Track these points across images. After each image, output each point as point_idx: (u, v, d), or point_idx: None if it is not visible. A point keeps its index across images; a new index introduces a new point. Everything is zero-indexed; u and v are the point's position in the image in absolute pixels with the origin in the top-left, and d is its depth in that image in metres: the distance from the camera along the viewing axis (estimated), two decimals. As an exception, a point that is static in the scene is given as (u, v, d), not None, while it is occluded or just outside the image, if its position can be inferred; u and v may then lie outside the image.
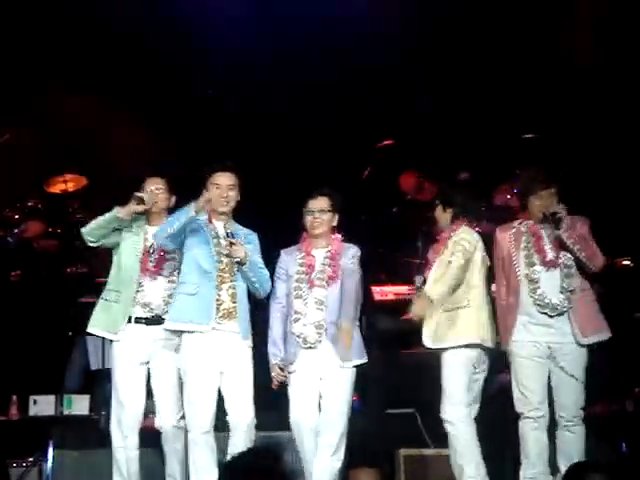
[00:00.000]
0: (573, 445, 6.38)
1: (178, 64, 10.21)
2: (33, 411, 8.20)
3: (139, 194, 6.61)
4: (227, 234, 6.41)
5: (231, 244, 6.39)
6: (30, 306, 9.45)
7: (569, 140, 9.86)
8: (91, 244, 6.67)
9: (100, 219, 6.61)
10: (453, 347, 6.41)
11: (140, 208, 6.59)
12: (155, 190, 6.65)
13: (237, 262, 6.39)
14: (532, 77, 10.02)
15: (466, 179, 9.62)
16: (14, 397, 8.32)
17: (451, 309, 6.47)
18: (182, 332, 6.37)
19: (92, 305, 8.30)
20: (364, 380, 6.69)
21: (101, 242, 6.64)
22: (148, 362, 6.58)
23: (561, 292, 6.41)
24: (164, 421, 6.52)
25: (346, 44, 9.93)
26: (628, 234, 9.59)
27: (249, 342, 6.47)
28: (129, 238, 6.66)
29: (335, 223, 6.56)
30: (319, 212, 6.48)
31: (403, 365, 8.25)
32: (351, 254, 6.52)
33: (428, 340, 6.47)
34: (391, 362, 8.04)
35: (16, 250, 9.87)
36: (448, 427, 6.36)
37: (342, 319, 6.33)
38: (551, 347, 6.37)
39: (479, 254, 6.56)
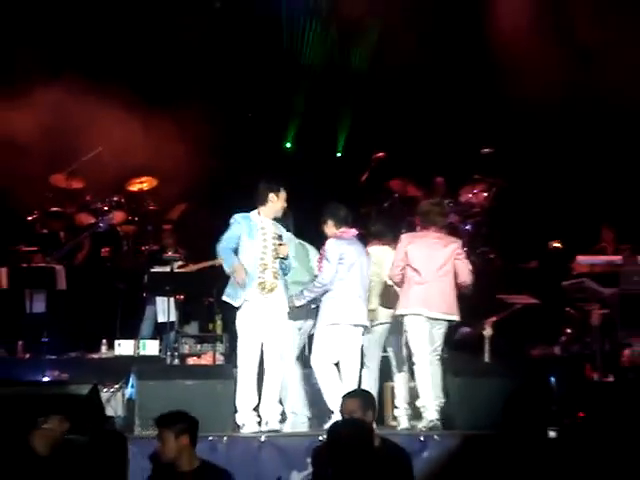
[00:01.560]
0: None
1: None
2: (118, 351, 9.26)
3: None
4: (278, 236, 7.34)
5: (280, 245, 7.34)
6: (115, 274, 10.53)
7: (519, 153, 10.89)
8: None
9: None
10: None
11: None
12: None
13: (281, 258, 7.35)
14: (491, 105, 11.08)
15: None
16: (104, 341, 9.49)
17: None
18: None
19: (160, 274, 9.37)
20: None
21: None
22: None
23: None
24: None
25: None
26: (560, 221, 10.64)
27: (287, 308, 7.46)
28: None
29: (329, 229, 7.66)
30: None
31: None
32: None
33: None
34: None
35: (106, 233, 10.85)
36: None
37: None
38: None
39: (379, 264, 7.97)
